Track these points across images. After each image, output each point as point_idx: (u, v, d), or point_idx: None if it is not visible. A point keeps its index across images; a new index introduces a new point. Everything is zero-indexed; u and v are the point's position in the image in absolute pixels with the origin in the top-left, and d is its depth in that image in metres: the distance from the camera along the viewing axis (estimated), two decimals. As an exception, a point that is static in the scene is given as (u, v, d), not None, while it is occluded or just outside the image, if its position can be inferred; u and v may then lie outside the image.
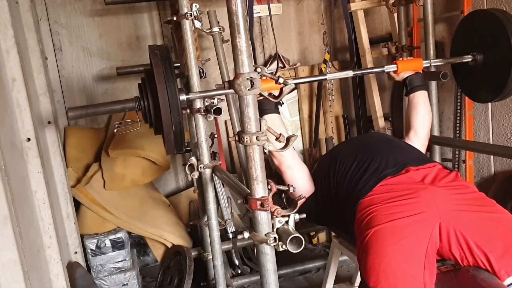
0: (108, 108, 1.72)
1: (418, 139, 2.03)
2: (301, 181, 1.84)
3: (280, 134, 1.30)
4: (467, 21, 2.18)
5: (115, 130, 1.93)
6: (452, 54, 2.23)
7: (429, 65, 2.11)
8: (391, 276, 1.37)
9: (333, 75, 2.02)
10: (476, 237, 1.42)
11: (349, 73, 2.02)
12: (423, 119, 2.05)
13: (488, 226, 1.44)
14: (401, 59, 2.13)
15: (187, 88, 1.88)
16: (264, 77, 1.14)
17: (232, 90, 1.14)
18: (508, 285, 1.36)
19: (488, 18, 1.98)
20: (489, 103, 2.70)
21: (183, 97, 1.60)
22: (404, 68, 2.06)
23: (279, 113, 1.87)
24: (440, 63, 2.14)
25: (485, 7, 2.64)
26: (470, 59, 2.06)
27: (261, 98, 1.64)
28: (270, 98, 1.55)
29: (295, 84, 1.98)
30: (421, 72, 2.10)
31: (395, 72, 2.06)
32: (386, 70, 2.05)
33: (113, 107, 1.71)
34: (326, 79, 2.02)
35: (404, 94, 2.12)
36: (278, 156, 1.82)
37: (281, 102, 1.80)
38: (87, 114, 1.75)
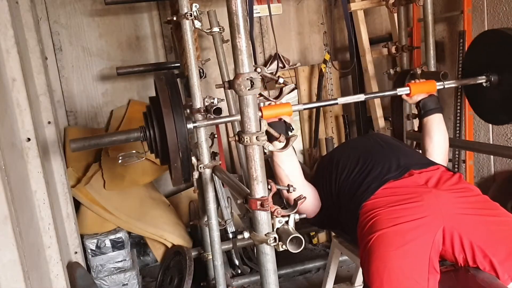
0: (112, 139, 1.68)
1: (439, 160, 1.93)
2: (310, 205, 1.79)
3: (280, 134, 1.31)
4: (479, 41, 2.11)
5: (119, 161, 1.89)
6: (464, 75, 2.16)
7: (442, 87, 2.02)
8: (395, 282, 1.36)
9: (344, 99, 1.94)
10: (479, 241, 1.40)
11: (360, 97, 1.97)
12: (438, 144, 1.96)
13: (492, 230, 1.43)
14: (413, 81, 2.02)
15: (188, 89, 1.88)
16: (265, 79, 1.14)
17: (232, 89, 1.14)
18: None
19: (502, 37, 1.92)
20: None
21: (190, 125, 1.57)
22: (417, 91, 1.96)
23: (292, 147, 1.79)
24: (453, 85, 2.04)
25: (485, 8, 2.65)
26: (484, 80, 1.99)
27: (261, 97, 1.65)
28: (270, 99, 1.56)
29: (305, 109, 1.95)
30: (435, 94, 2.02)
31: (408, 95, 1.97)
32: (398, 93, 1.97)
33: (117, 137, 1.68)
34: (337, 103, 1.94)
35: (418, 117, 2.04)
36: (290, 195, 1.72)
37: (291, 128, 1.76)
38: (90, 146, 1.69)
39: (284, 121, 1.73)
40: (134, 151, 1.84)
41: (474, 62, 2.11)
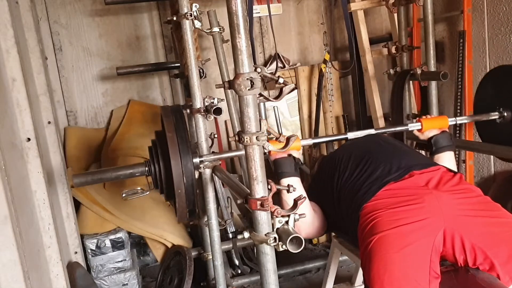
0: (116, 174, 1.67)
1: None
2: (318, 230, 1.81)
3: (280, 134, 1.31)
4: (491, 76, 2.11)
5: (123, 196, 1.90)
6: (476, 112, 2.16)
7: (454, 123, 2.03)
8: (396, 284, 1.36)
9: (354, 134, 1.92)
10: (481, 242, 1.40)
11: (371, 131, 1.96)
12: None
13: (493, 231, 1.43)
14: (424, 117, 2.00)
15: (188, 89, 1.88)
16: (265, 78, 1.14)
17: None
18: None
19: None
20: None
21: (196, 159, 1.56)
22: (429, 127, 1.95)
23: (298, 176, 1.77)
24: (466, 121, 2.06)
25: (485, 8, 2.65)
26: (497, 116, 1.99)
27: (261, 97, 1.64)
28: (270, 99, 1.55)
29: (314, 143, 1.93)
30: (447, 131, 1.99)
31: (419, 130, 1.96)
32: (410, 129, 1.96)
33: (121, 172, 1.66)
34: (347, 138, 1.92)
35: (430, 153, 2.01)
36: (301, 225, 1.71)
37: (300, 162, 1.75)
38: (93, 181, 1.68)
39: (293, 157, 1.73)
40: (139, 188, 1.85)
41: (487, 98, 2.09)
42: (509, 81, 1.98)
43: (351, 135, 1.91)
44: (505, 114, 1.97)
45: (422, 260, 1.38)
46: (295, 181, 1.72)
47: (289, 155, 1.73)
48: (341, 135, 1.95)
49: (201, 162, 1.63)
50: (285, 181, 1.70)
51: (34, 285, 1.54)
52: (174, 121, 1.53)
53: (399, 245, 1.39)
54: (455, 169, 1.92)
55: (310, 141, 1.88)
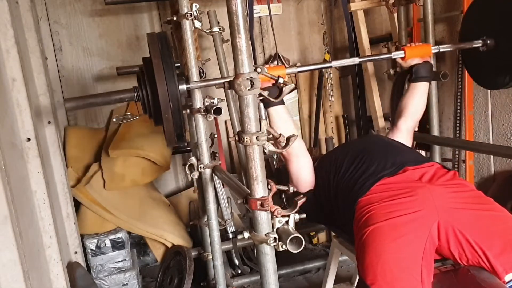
0: (106, 99, 1.66)
1: (406, 127, 2.03)
2: (306, 172, 1.85)
3: (280, 134, 1.30)
4: (475, 5, 2.09)
5: (114, 120, 1.91)
6: (461, 40, 2.16)
7: (437, 50, 2.03)
8: (388, 274, 1.37)
9: (339, 62, 1.96)
10: (474, 235, 1.42)
11: (355, 60, 1.97)
12: (415, 108, 2.03)
13: (487, 224, 1.45)
14: (409, 45, 2.03)
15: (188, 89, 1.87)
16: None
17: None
18: (507, 282, 1.36)
19: (498, 1, 1.91)
20: (489, 103, 2.70)
21: (182, 86, 1.56)
22: (412, 55, 1.98)
23: (284, 103, 1.83)
24: (449, 49, 2.04)
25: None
26: (480, 44, 1.99)
27: (261, 98, 1.65)
28: (270, 98, 1.55)
29: (299, 71, 1.95)
30: (429, 61, 2.05)
31: (402, 58, 2.00)
32: (393, 57, 1.98)
33: (111, 97, 1.66)
34: (331, 66, 1.96)
35: (407, 79, 2.08)
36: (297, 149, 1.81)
37: (287, 84, 1.79)
38: (84, 105, 1.67)
39: (278, 85, 1.71)
40: (129, 113, 1.85)
41: (471, 28, 2.08)
42: (490, 9, 1.97)
43: (335, 63, 1.96)
44: (488, 42, 1.96)
45: (416, 251, 1.40)
46: (280, 110, 1.79)
47: (274, 83, 1.73)
48: (325, 63, 2.02)
49: (188, 88, 1.63)
50: (271, 110, 1.77)
51: (34, 285, 1.54)
52: (160, 48, 1.54)
53: (393, 236, 1.42)
54: (425, 104, 2.07)
55: (295, 70, 1.91)
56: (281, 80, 1.49)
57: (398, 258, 1.39)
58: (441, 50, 2.04)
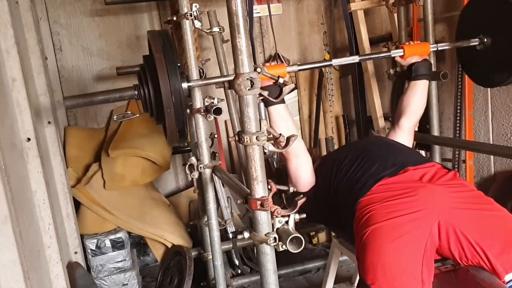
0: (106, 97, 1.65)
1: (407, 126, 2.04)
2: (305, 172, 1.85)
3: (280, 135, 1.30)
4: (471, 4, 2.10)
5: (114, 118, 1.90)
6: (459, 39, 2.16)
7: (436, 49, 2.05)
8: (388, 274, 1.37)
9: (339, 61, 1.96)
10: (474, 234, 1.42)
11: (355, 58, 1.98)
12: (415, 106, 2.04)
13: (487, 224, 1.45)
14: (407, 43, 2.05)
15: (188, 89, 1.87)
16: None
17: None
18: (507, 282, 1.36)
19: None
20: (489, 103, 2.70)
21: (184, 84, 1.55)
22: (411, 53, 1.99)
23: (284, 102, 1.83)
24: (447, 47, 2.05)
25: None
26: (477, 43, 1.99)
27: (261, 97, 1.65)
28: (270, 99, 1.55)
29: (300, 70, 1.95)
30: (428, 59, 2.06)
31: (401, 57, 2.00)
32: (392, 55, 1.99)
33: (111, 95, 1.64)
34: (331, 64, 1.96)
35: (407, 78, 2.09)
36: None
37: (287, 84, 1.79)
38: (84, 103, 1.65)
39: (279, 84, 1.70)
40: (129, 112, 1.84)
41: (468, 26, 2.09)
42: (486, 8, 1.98)
43: (335, 61, 1.95)
44: (485, 40, 1.97)
45: (416, 251, 1.40)
46: (281, 108, 1.79)
47: (275, 82, 1.73)
48: (325, 62, 2.01)
49: (189, 87, 1.61)
50: (271, 109, 1.76)
51: (34, 285, 1.54)
52: (162, 43, 1.52)
53: (393, 235, 1.42)
54: (425, 102, 2.08)
55: (296, 68, 1.91)
56: (281, 80, 1.49)
57: (398, 258, 1.39)
58: (439, 48, 2.05)
